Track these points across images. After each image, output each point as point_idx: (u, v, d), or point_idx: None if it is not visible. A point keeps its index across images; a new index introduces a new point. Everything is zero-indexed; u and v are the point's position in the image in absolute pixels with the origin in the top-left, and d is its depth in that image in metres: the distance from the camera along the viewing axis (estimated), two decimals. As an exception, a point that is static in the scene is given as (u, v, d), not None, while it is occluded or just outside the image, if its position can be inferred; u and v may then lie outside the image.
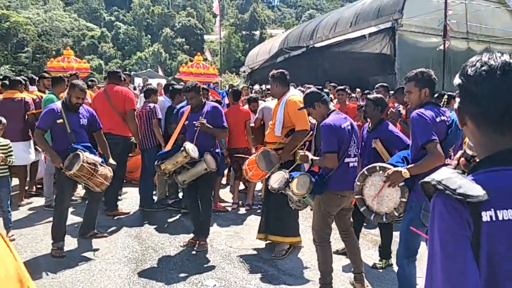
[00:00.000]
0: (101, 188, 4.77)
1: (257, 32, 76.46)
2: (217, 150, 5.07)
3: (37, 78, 7.89)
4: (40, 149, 6.71)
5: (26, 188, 6.88)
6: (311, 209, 3.97)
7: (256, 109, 6.87)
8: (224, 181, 8.03)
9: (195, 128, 4.86)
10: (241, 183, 7.15)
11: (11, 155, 5.02)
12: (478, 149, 1.23)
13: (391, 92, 7.57)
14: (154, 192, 6.78)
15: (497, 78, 1.14)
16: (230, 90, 7.75)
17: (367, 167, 3.34)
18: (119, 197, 6.67)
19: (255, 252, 4.95)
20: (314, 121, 4.34)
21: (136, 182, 7.18)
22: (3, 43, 50.29)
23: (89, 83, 8.66)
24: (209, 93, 7.30)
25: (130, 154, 7.10)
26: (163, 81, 14.98)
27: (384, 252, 4.54)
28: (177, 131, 5.13)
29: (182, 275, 4.29)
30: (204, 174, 4.79)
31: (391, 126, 4.33)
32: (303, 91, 7.76)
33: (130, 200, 6.93)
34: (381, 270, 4.47)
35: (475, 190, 1.07)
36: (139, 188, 6.58)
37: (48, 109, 4.82)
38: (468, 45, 14.99)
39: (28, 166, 6.85)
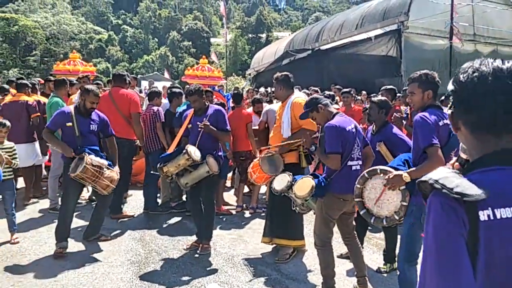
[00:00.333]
0: (107, 191, 4.80)
1: (264, 35, 76.55)
2: (219, 153, 5.06)
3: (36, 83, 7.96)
4: (43, 153, 6.83)
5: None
6: (314, 213, 3.94)
7: (261, 110, 6.87)
8: (228, 184, 8.02)
9: (198, 131, 4.85)
10: (245, 186, 7.13)
11: (15, 158, 5.05)
12: (473, 152, 1.22)
13: (398, 94, 7.52)
14: (159, 195, 6.78)
15: (488, 83, 1.15)
16: (234, 93, 7.75)
17: (367, 170, 3.31)
18: (123, 200, 6.68)
19: (258, 256, 4.92)
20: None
21: (141, 185, 7.19)
22: (11, 47, 50.73)
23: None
24: (214, 96, 7.29)
25: (134, 157, 7.13)
26: (169, 84, 15.01)
27: (389, 256, 4.50)
28: (180, 134, 5.13)
29: (184, 278, 4.27)
30: (207, 177, 4.77)
31: (395, 129, 4.30)
32: (308, 94, 7.76)
33: (134, 203, 6.93)
34: (385, 274, 4.42)
35: (472, 189, 1.07)
36: (143, 191, 6.59)
37: (59, 111, 4.97)
38: (475, 47, 14.88)
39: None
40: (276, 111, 5.25)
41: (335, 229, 3.91)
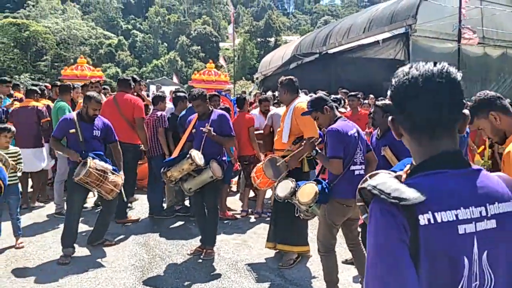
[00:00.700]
0: (111, 196, 4.81)
1: (272, 39, 76.65)
2: (223, 158, 5.04)
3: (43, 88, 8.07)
4: (52, 157, 6.88)
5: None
6: (319, 219, 3.90)
7: (267, 109, 6.86)
8: (234, 188, 8.00)
9: (202, 136, 4.84)
10: (251, 190, 7.10)
11: (20, 163, 5.08)
12: (415, 157, 1.20)
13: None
14: (164, 199, 6.78)
15: (419, 86, 1.13)
16: (236, 97, 7.75)
17: (369, 174, 3.25)
18: (128, 205, 6.68)
19: (262, 261, 4.88)
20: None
21: (146, 190, 7.18)
22: (23, 52, 51.27)
23: (102, 91, 8.74)
24: (221, 100, 7.28)
25: (140, 162, 7.14)
26: (179, 88, 15.05)
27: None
28: (184, 139, 5.12)
29: (187, 283, 4.25)
30: (210, 182, 4.75)
31: (400, 133, 4.23)
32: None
33: (140, 207, 6.93)
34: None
35: (410, 193, 1.05)
36: (147, 195, 6.58)
37: (62, 119, 5.03)
38: (484, 50, 14.72)
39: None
40: (281, 115, 5.22)
41: (340, 234, 3.87)
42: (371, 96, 10.41)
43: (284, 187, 4.02)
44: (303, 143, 4.41)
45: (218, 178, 4.77)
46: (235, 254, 5.06)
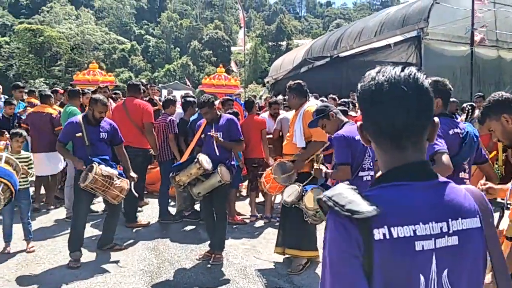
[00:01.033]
0: (117, 201, 4.81)
1: (284, 43, 76.71)
2: (232, 162, 5.03)
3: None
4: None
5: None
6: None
7: (277, 112, 6.85)
8: (244, 193, 7.98)
9: (212, 140, 4.85)
10: (260, 195, 7.08)
11: (31, 167, 5.13)
12: (381, 166, 1.14)
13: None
14: (173, 203, 6.79)
15: (384, 92, 1.07)
16: (245, 100, 7.77)
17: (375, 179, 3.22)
18: (139, 209, 6.72)
19: (271, 267, 4.85)
20: None
21: (157, 194, 7.21)
22: (37, 57, 52.10)
23: (113, 96, 8.82)
24: (233, 104, 7.31)
25: (151, 166, 7.18)
26: (189, 92, 15.13)
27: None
28: (193, 143, 5.13)
29: (195, 289, 4.24)
30: (219, 186, 4.75)
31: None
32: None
33: (150, 211, 6.95)
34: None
35: (363, 205, 0.99)
36: (158, 200, 6.60)
37: (68, 122, 5.01)
38: (498, 53, 14.52)
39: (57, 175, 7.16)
40: (290, 119, 5.21)
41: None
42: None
43: (291, 192, 4.01)
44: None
45: (227, 183, 4.76)
46: (244, 259, 5.04)
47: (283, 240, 4.89)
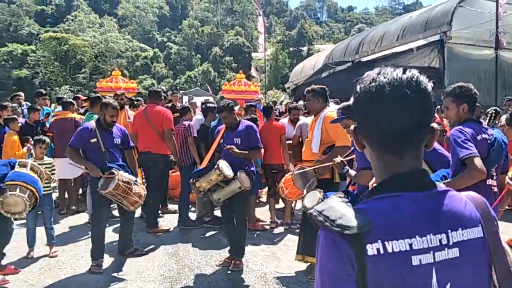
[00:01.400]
0: (135, 207, 4.83)
1: (305, 48, 76.45)
2: (251, 168, 5.02)
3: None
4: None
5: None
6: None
7: (297, 118, 6.81)
8: (264, 199, 7.95)
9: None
10: (280, 201, 7.03)
11: (54, 173, 5.22)
12: (376, 175, 1.08)
13: (438, 107, 7.24)
14: (193, 209, 6.81)
15: (386, 95, 1.01)
16: (263, 106, 7.76)
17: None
18: (160, 214, 6.75)
19: (292, 274, 4.80)
20: None
21: (177, 200, 7.24)
22: (62, 65, 53.26)
23: (135, 102, 8.93)
24: (256, 111, 7.33)
25: (172, 171, 7.23)
26: (210, 99, 15.23)
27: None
28: (213, 149, 5.14)
29: (215, 295, 4.22)
30: (239, 192, 4.73)
31: (434, 143, 4.09)
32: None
33: (171, 217, 6.98)
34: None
35: (354, 220, 0.93)
36: (179, 205, 6.63)
37: (83, 128, 5.02)
38: (524, 56, 14.19)
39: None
40: (308, 125, 5.17)
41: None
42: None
43: (312, 198, 3.96)
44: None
45: (246, 189, 4.75)
46: (264, 266, 5.00)
47: (304, 247, 4.83)
